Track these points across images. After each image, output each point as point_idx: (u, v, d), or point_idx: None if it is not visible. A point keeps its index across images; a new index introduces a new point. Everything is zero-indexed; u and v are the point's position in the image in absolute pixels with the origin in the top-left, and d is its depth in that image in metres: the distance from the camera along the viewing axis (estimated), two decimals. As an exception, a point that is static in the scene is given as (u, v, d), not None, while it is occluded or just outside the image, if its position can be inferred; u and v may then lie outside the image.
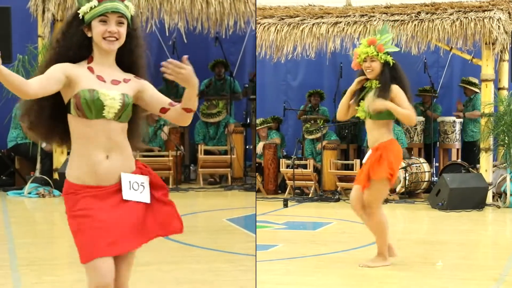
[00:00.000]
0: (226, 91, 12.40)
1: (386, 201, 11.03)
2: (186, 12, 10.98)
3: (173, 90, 11.95)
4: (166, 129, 11.75)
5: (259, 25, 11.68)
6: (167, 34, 11.41)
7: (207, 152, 12.05)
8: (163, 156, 11.59)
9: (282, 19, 11.78)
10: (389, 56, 6.41)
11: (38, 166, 11.02)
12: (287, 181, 11.71)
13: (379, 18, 11.37)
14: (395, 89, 6.34)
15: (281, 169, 11.88)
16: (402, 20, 11.31)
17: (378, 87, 6.36)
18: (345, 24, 11.40)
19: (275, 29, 11.71)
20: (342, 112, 6.60)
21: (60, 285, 5.89)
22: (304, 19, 11.65)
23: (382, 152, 6.30)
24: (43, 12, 10.98)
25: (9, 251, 7.21)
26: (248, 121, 12.56)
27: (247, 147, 12.52)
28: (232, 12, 11.21)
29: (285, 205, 10.65)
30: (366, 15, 11.52)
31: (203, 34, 11.43)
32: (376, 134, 6.39)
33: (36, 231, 8.63)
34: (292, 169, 11.49)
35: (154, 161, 11.21)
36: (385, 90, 6.32)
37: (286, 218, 9.60)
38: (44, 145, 10.99)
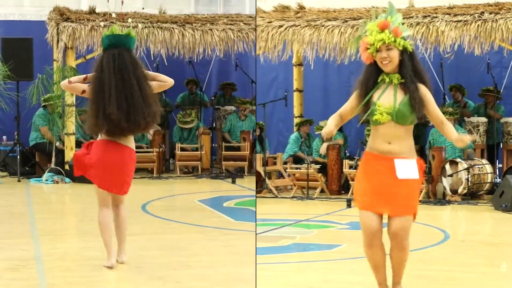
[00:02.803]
0: (196, 102, 15.37)
1: (448, 202, 11.06)
2: (166, 42, 13.86)
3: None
4: (151, 131, 13.92)
5: (323, 27, 11.80)
6: (152, 59, 14.13)
7: (182, 149, 14.62)
8: (149, 152, 14.23)
9: (346, 21, 11.87)
10: (406, 41, 5.10)
11: (53, 159, 13.39)
12: (350, 182, 11.81)
13: (441, 19, 11.36)
14: (424, 90, 5.09)
15: (344, 170, 12.01)
16: (465, 21, 11.27)
17: (402, 83, 5.09)
18: (408, 25, 11.32)
19: (339, 31, 11.82)
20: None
21: (70, 250, 7.41)
22: (367, 21, 11.68)
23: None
24: (58, 41, 13.46)
25: (30, 224, 8.92)
26: (214, 125, 15.43)
27: (213, 145, 15.40)
28: (202, 42, 14.01)
29: (349, 205, 10.76)
30: (429, 16, 11.51)
31: (179, 59, 14.20)
32: (402, 142, 5.19)
33: (51, 209, 10.56)
34: (355, 170, 11.59)
35: (142, 155, 13.73)
36: (413, 87, 5.06)
37: (350, 218, 9.67)
38: (57, 143, 13.45)
